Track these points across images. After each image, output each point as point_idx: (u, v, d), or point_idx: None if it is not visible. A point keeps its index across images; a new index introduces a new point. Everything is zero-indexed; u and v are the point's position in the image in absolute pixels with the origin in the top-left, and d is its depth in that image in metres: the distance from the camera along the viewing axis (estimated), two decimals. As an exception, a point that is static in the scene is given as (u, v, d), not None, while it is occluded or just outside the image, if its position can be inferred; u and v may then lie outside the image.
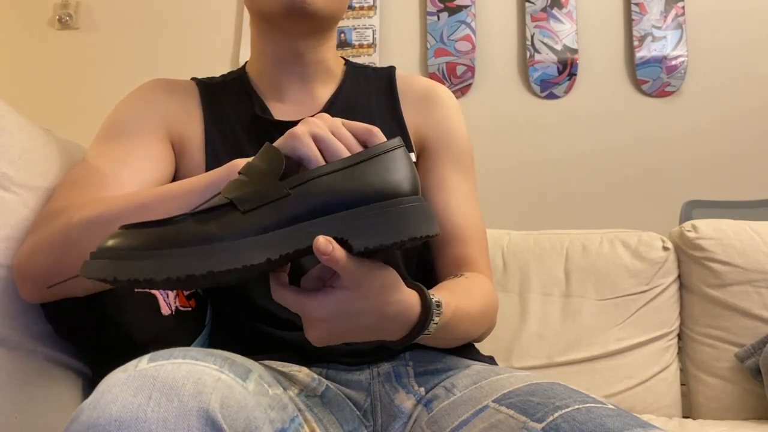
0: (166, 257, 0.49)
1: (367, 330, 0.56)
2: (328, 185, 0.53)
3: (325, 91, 0.89)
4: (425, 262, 0.86)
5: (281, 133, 0.83)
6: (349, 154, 0.55)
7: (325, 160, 0.55)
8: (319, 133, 0.56)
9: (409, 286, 0.60)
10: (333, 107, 0.87)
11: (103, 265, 0.50)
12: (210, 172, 0.67)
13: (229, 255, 0.50)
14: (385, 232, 0.52)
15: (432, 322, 0.60)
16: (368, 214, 0.52)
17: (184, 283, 0.50)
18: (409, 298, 0.58)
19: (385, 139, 0.57)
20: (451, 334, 0.68)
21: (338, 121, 0.58)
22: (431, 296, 0.61)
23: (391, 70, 0.94)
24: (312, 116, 0.61)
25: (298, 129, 0.57)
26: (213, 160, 0.82)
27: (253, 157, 0.57)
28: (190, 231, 0.50)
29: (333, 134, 0.57)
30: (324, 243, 0.50)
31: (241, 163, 0.63)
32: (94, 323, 0.79)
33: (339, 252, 0.50)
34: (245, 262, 0.50)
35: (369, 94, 0.90)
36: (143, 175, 0.78)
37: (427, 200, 0.85)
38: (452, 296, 0.66)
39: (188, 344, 0.85)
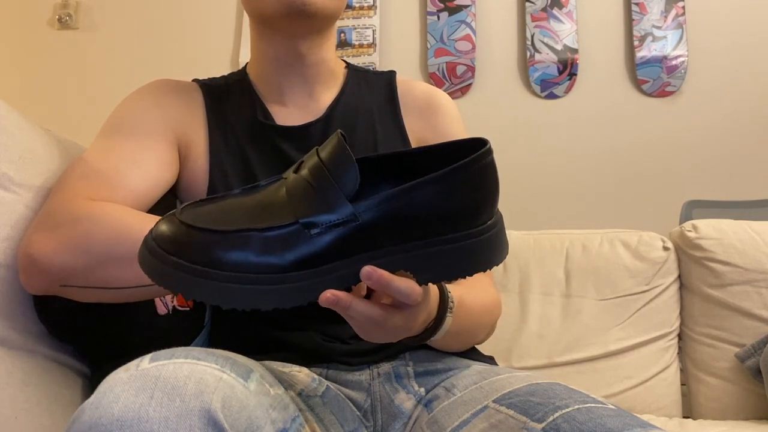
0: (230, 284, 0.47)
1: (401, 334, 0.56)
2: (402, 212, 0.48)
3: (327, 95, 0.88)
4: None
5: (284, 138, 0.84)
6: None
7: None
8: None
9: None
10: (334, 112, 0.87)
11: (160, 269, 0.48)
12: None
13: (293, 292, 0.48)
14: (453, 268, 0.50)
15: (448, 314, 0.63)
16: (439, 249, 0.49)
17: (249, 310, 0.49)
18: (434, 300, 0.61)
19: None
20: (456, 333, 0.69)
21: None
22: (448, 292, 0.64)
23: (391, 74, 0.94)
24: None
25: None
26: (216, 166, 0.82)
27: (322, 151, 0.51)
28: (253, 257, 0.48)
29: None
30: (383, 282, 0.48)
31: None
32: (88, 323, 0.78)
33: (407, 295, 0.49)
34: (311, 299, 0.49)
35: (370, 99, 0.90)
36: (153, 177, 0.78)
37: None
38: (458, 291, 0.68)
39: (187, 344, 0.84)
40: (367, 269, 0.48)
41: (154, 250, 0.49)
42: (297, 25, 0.81)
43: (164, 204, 0.81)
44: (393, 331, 0.54)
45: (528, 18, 1.98)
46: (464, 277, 0.50)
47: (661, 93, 1.91)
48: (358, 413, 0.71)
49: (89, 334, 0.80)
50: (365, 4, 2.07)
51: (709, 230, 1.38)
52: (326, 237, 0.48)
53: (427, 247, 0.49)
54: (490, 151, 0.50)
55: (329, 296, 0.48)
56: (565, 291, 1.40)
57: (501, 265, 1.43)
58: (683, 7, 1.92)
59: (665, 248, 1.41)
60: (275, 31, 0.83)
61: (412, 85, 0.93)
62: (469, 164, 0.48)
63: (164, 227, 0.50)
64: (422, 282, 0.50)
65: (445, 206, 0.48)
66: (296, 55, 0.85)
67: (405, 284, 0.49)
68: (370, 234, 0.48)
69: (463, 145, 0.52)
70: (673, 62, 1.90)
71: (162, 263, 0.49)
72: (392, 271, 0.49)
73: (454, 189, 0.48)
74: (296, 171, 0.52)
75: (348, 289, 0.50)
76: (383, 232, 0.48)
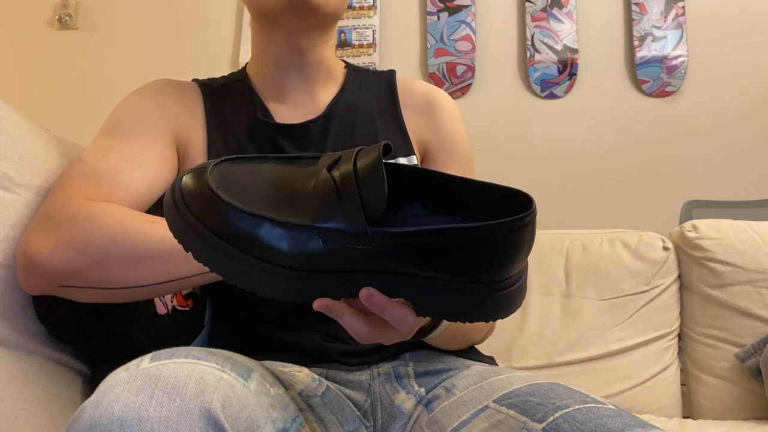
0: (236, 261, 0.48)
1: (393, 341, 0.55)
2: (420, 250, 0.45)
3: (326, 93, 0.89)
4: None
5: (283, 136, 0.84)
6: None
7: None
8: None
9: None
10: (334, 110, 0.87)
11: (179, 223, 0.49)
12: None
13: (291, 289, 0.48)
14: (458, 313, 0.47)
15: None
16: (449, 293, 0.46)
17: (249, 291, 0.50)
18: None
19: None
20: (454, 333, 0.69)
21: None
22: None
23: (391, 73, 0.94)
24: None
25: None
26: None
27: (360, 159, 0.48)
28: (267, 242, 0.47)
29: None
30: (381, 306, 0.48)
31: None
32: (88, 323, 0.78)
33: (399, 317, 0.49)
34: (306, 300, 0.49)
35: (370, 97, 0.90)
36: (151, 177, 0.78)
37: None
38: None
39: (187, 344, 0.84)
40: (366, 292, 0.47)
41: (178, 201, 0.50)
42: (298, 20, 0.81)
43: (162, 204, 0.81)
44: (384, 341, 0.53)
45: (528, 18, 1.98)
46: (464, 322, 0.48)
47: (661, 93, 1.91)
48: (358, 413, 0.71)
49: (89, 334, 0.80)
50: (365, 4, 2.07)
51: (709, 230, 1.38)
52: (336, 249, 0.47)
53: (437, 287, 0.46)
54: (533, 214, 0.45)
55: (319, 305, 0.48)
56: (565, 291, 1.40)
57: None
58: (683, 7, 1.92)
59: (665, 248, 1.41)
60: (276, 26, 0.83)
61: (411, 84, 0.93)
62: (506, 225, 0.44)
63: (191, 182, 0.50)
64: (420, 314, 0.49)
65: (467, 259, 0.45)
66: (297, 51, 0.85)
67: (401, 313, 0.48)
68: (380, 258, 0.46)
69: (504, 194, 0.48)
70: (673, 62, 1.90)
71: (181, 217, 0.49)
72: (392, 296, 0.48)
73: (483, 244, 0.44)
74: (331, 167, 0.49)
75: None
76: (394, 261, 0.46)
